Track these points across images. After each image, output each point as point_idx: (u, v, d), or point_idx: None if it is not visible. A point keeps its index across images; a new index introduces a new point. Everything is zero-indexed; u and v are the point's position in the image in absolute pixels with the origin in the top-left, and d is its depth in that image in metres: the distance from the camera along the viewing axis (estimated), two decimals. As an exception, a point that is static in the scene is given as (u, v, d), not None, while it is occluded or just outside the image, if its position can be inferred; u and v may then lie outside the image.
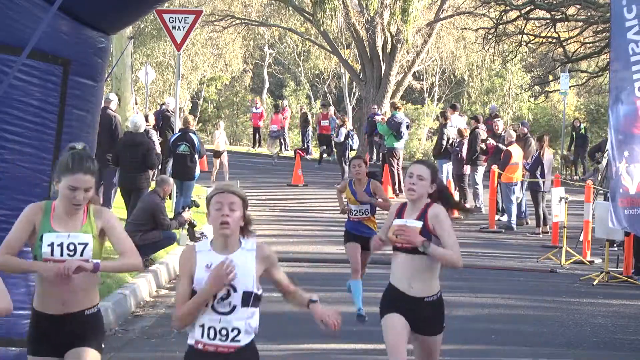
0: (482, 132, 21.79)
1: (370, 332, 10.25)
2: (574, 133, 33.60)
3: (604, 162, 18.88)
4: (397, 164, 24.31)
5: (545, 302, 12.53)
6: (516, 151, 19.99)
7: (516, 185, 20.00)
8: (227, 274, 4.87)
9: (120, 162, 15.29)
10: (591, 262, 15.94)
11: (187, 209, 14.51)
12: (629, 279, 14.35)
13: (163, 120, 23.14)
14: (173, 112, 20.93)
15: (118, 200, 17.22)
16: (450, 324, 11.07)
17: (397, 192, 23.99)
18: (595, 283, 14.00)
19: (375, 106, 35.00)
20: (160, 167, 18.76)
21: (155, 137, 19.60)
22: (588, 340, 10.42)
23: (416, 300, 6.37)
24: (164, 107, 24.68)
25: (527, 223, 20.38)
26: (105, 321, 10.10)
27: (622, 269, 14.85)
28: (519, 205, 20.55)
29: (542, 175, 19.12)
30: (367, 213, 11.16)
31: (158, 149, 19.43)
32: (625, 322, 11.50)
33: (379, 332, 10.29)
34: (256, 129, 40.48)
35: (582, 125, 33.43)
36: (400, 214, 6.60)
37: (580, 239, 16.43)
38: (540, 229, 19.22)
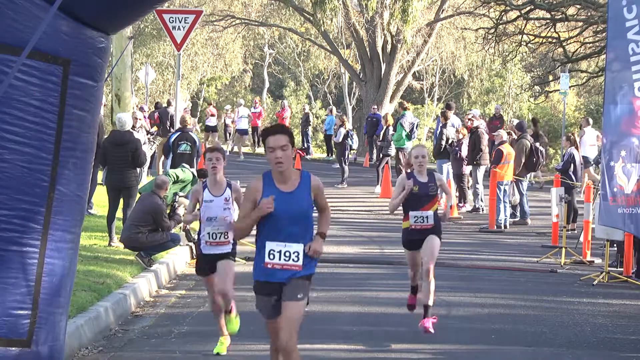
0: (484, 132, 21.78)
1: (371, 332, 10.25)
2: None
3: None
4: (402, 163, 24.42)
5: (545, 302, 12.52)
6: (507, 150, 20.07)
7: (507, 184, 20.04)
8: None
9: (108, 161, 15.14)
10: (591, 262, 15.94)
11: (176, 205, 14.36)
12: (629, 279, 14.35)
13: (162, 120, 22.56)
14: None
15: (99, 197, 17.53)
16: (451, 324, 11.11)
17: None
18: (595, 283, 13.99)
19: (375, 106, 35.02)
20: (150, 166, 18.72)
21: (141, 135, 19.58)
22: (588, 340, 10.41)
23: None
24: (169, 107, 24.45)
25: (527, 223, 20.36)
26: (105, 321, 10.19)
27: (622, 269, 14.85)
28: (522, 205, 20.54)
29: (575, 173, 19.19)
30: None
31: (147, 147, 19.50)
32: (625, 322, 11.50)
33: (379, 332, 10.32)
34: (255, 129, 40.09)
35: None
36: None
37: (581, 239, 16.43)
38: (569, 225, 18.57)
